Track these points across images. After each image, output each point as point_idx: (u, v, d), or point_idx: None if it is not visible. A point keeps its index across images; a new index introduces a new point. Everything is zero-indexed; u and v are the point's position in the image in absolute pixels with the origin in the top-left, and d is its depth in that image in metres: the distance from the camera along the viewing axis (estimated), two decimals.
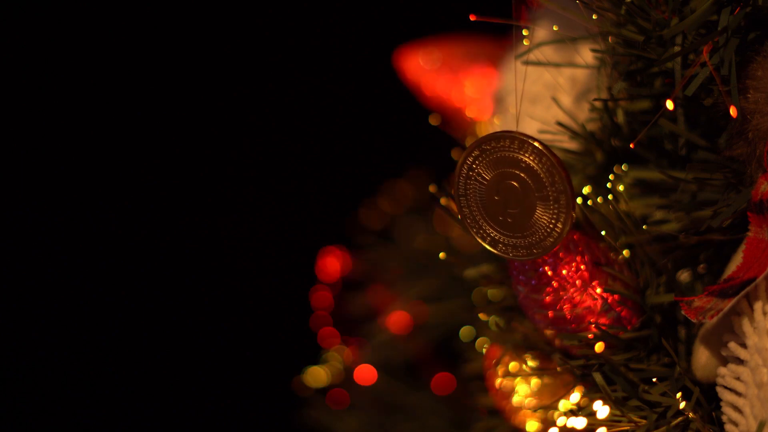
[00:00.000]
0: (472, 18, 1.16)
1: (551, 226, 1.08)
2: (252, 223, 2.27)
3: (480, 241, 1.11)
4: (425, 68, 1.62)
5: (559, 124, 1.21)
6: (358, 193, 1.77)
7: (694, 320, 1.06)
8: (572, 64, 1.24)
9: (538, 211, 1.08)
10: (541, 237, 1.09)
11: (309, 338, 1.74)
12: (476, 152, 1.09)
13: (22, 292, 2.21)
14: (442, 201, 1.24)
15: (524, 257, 1.10)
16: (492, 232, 1.11)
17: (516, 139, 1.07)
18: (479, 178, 1.10)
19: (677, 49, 1.08)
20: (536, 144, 1.07)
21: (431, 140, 1.56)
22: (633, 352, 1.14)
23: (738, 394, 1.07)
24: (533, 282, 1.14)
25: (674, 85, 1.10)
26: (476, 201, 1.10)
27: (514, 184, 1.09)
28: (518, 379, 1.26)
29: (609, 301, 1.14)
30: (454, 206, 1.14)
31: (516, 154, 1.08)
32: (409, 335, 1.66)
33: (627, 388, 1.11)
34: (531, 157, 1.07)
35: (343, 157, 2.23)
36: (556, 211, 1.08)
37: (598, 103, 1.18)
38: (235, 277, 2.26)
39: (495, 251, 1.11)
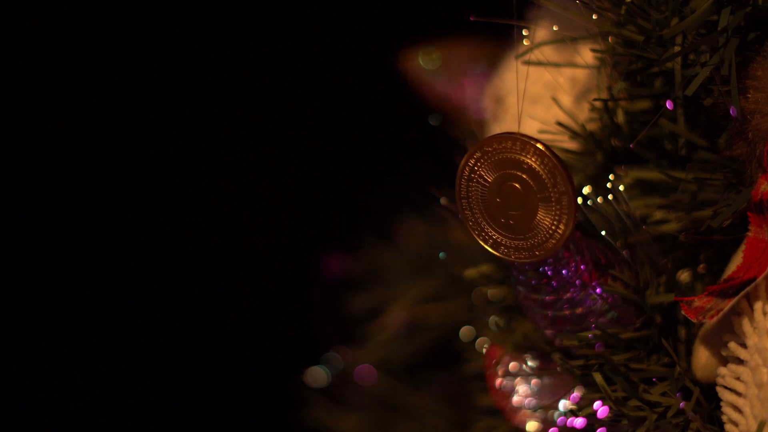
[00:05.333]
0: (472, 18, 1.16)
1: (553, 227, 1.08)
2: (252, 223, 2.27)
3: (482, 243, 1.11)
4: (426, 68, 1.62)
5: (559, 124, 1.21)
6: (358, 193, 1.77)
7: (694, 320, 1.06)
8: (572, 64, 1.24)
9: (540, 213, 1.08)
10: (544, 239, 1.09)
11: (309, 338, 1.74)
12: (478, 154, 1.09)
13: (22, 292, 2.21)
14: (443, 201, 1.24)
15: (526, 259, 1.10)
16: (494, 235, 1.10)
17: (518, 141, 1.07)
18: (481, 180, 1.09)
19: (677, 49, 1.08)
20: (538, 145, 1.06)
21: (431, 140, 1.56)
22: (633, 352, 1.14)
23: (738, 394, 1.07)
24: (533, 282, 1.14)
25: (674, 85, 1.10)
26: (478, 203, 1.10)
27: (516, 185, 1.08)
28: (518, 379, 1.26)
29: (609, 301, 1.14)
30: (455, 208, 1.13)
31: (518, 156, 1.07)
32: (409, 335, 1.66)
33: (627, 388, 1.11)
34: (533, 159, 1.07)
35: (343, 157, 2.23)
36: (558, 212, 1.07)
37: (598, 103, 1.18)
38: (235, 276, 2.26)
39: (497, 254, 1.11)
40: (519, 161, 1.08)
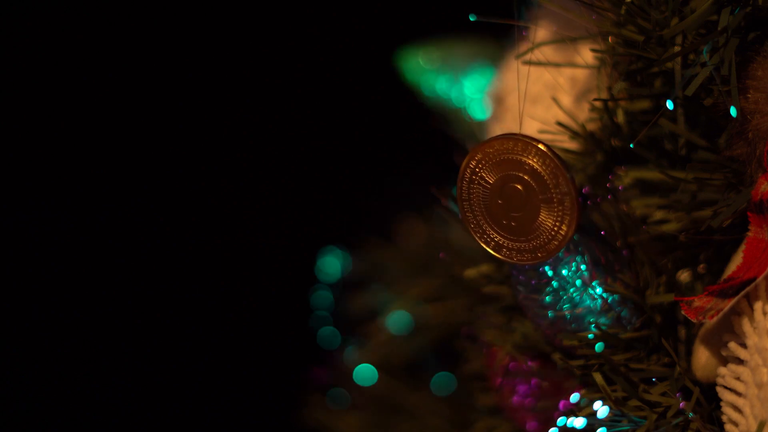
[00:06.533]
0: (472, 18, 1.16)
1: (555, 228, 1.08)
2: (252, 223, 2.27)
3: (484, 245, 1.11)
4: (425, 68, 1.62)
5: (559, 124, 1.21)
6: (358, 193, 1.77)
7: (694, 320, 1.06)
8: (572, 64, 1.24)
9: (542, 214, 1.08)
10: (546, 240, 1.08)
11: (309, 338, 1.74)
12: (479, 155, 1.08)
13: (22, 292, 2.21)
14: (443, 202, 1.24)
15: (529, 261, 1.10)
16: (496, 237, 1.10)
17: (519, 141, 1.07)
18: (482, 182, 1.09)
19: (677, 49, 1.08)
20: (540, 146, 1.06)
21: (432, 140, 1.56)
22: (633, 352, 1.14)
23: (738, 394, 1.07)
24: (533, 282, 1.14)
25: (674, 85, 1.10)
26: (479, 205, 1.10)
27: (518, 187, 1.08)
28: (518, 378, 1.26)
29: (609, 301, 1.14)
30: (456, 210, 1.13)
31: (519, 157, 1.07)
32: (409, 335, 1.66)
33: (627, 388, 1.11)
34: (535, 159, 1.07)
35: (343, 157, 2.23)
36: (560, 213, 1.07)
37: (598, 103, 1.18)
38: (235, 276, 2.26)
39: (499, 256, 1.10)
40: (520, 162, 1.07)
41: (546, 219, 1.08)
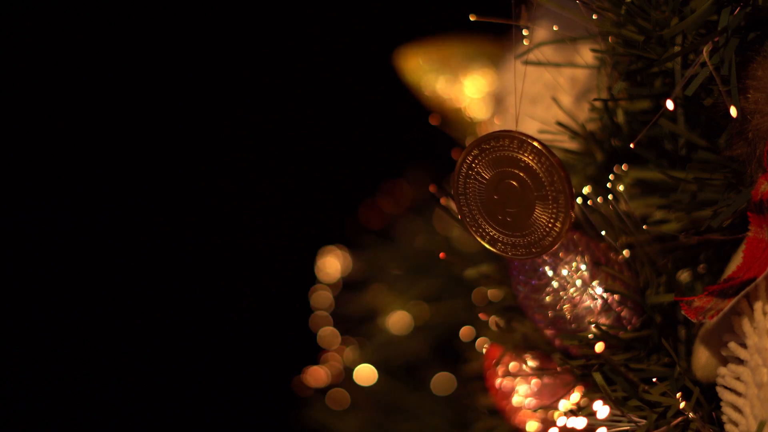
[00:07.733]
0: (472, 18, 1.16)
1: (550, 225, 1.08)
2: (252, 223, 2.27)
3: (479, 239, 1.11)
4: (425, 68, 1.62)
5: (559, 124, 1.21)
6: (358, 193, 1.77)
7: (694, 320, 1.06)
8: (572, 64, 1.24)
9: (537, 211, 1.08)
10: (540, 236, 1.09)
11: (309, 338, 1.74)
12: (476, 151, 1.09)
13: (22, 292, 2.21)
14: (442, 201, 1.24)
15: (523, 256, 1.10)
16: (491, 231, 1.11)
17: (515, 139, 1.07)
18: (478, 177, 1.10)
19: (677, 49, 1.08)
20: (535, 144, 1.07)
21: (431, 140, 1.56)
22: (633, 352, 1.14)
23: (738, 394, 1.07)
24: (533, 282, 1.14)
25: (674, 85, 1.10)
26: (475, 200, 1.11)
27: (513, 183, 1.09)
28: (518, 379, 1.26)
29: (609, 301, 1.14)
30: (453, 205, 1.14)
31: (515, 154, 1.08)
32: (409, 335, 1.66)
33: (627, 388, 1.11)
34: (530, 157, 1.07)
35: (342, 157, 2.23)
36: (554, 210, 1.08)
37: (598, 103, 1.18)
38: (235, 276, 2.26)
39: (494, 250, 1.11)
40: (516, 159, 1.08)
41: (541, 215, 1.08)
